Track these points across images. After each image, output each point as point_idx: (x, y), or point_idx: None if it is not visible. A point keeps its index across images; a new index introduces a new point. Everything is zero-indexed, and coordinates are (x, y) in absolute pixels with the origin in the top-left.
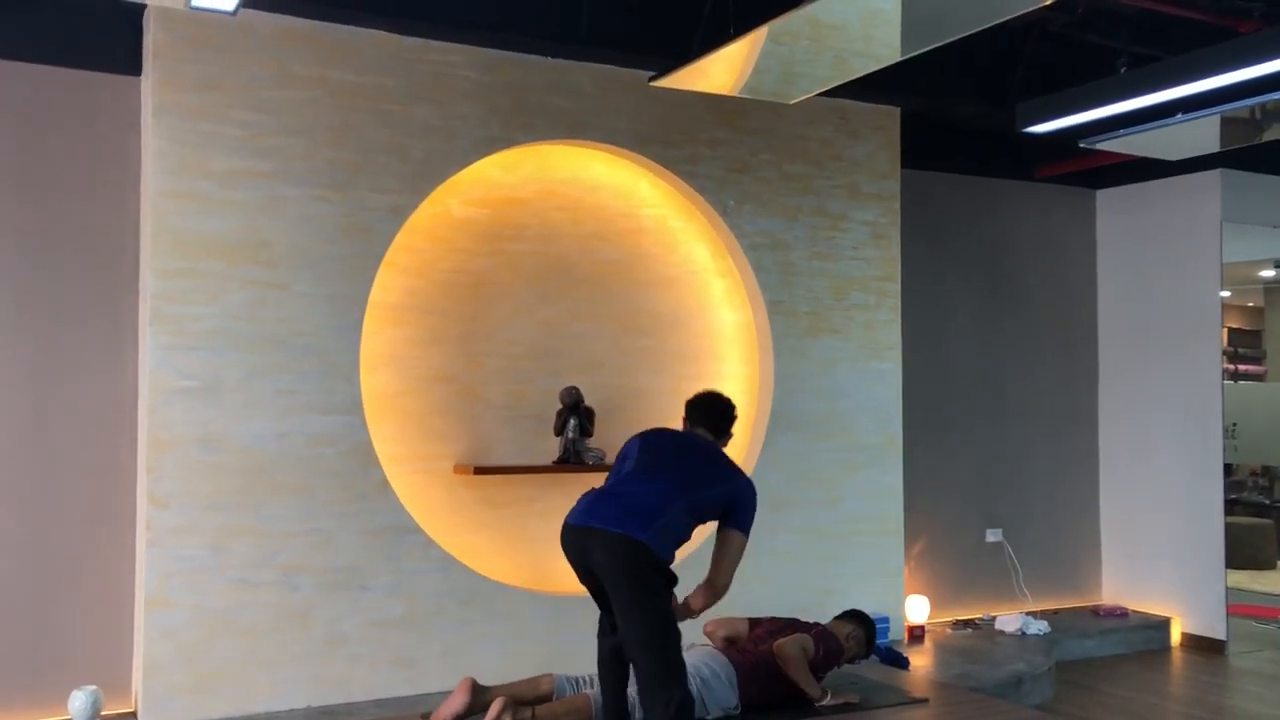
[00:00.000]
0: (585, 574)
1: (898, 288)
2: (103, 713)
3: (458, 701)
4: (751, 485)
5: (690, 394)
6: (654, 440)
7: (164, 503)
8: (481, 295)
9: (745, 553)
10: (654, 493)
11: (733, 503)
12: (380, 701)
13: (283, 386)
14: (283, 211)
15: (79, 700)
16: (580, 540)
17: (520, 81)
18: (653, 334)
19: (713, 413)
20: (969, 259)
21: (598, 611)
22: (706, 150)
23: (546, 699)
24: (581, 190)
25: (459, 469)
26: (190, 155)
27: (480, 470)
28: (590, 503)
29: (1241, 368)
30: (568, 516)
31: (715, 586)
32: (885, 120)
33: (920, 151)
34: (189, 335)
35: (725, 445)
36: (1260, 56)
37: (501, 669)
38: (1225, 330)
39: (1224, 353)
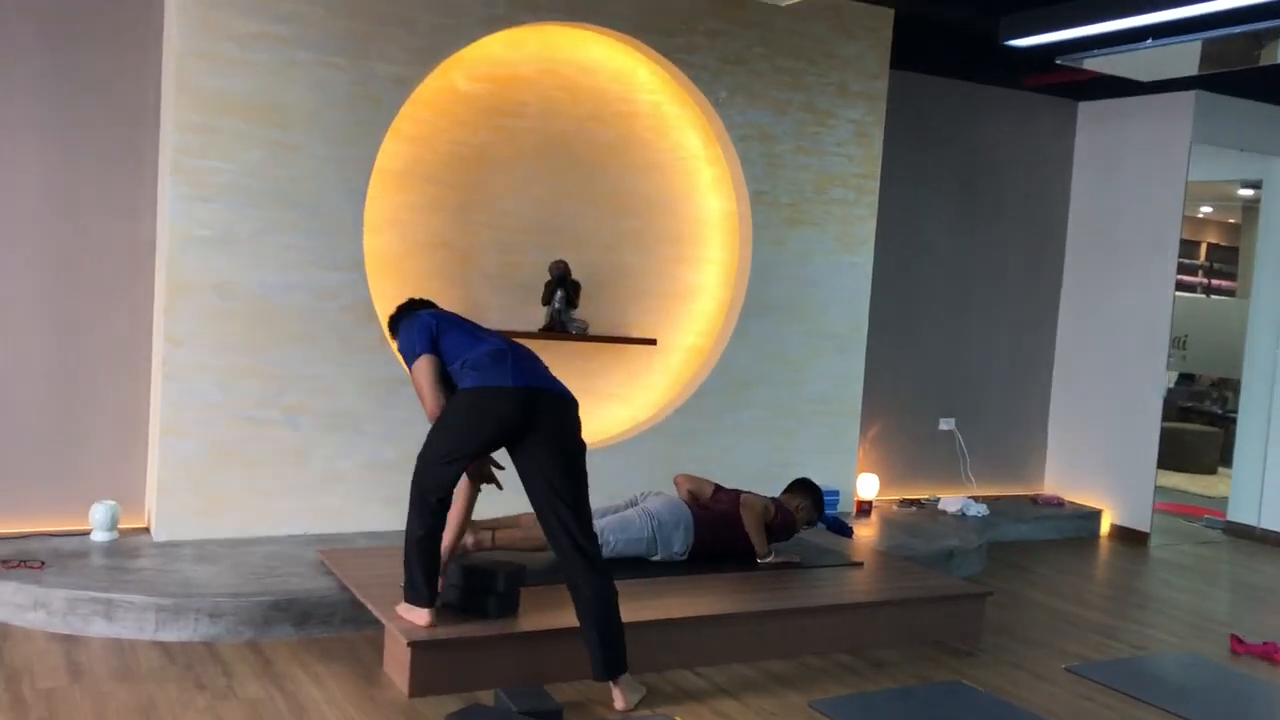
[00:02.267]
0: (504, 432)
1: (876, 185)
2: (119, 525)
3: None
4: None
5: (670, 274)
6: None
7: (179, 342)
8: (481, 168)
9: (716, 429)
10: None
11: None
12: (370, 533)
13: (291, 242)
14: (298, 76)
15: (99, 512)
16: (531, 401)
17: None
18: (641, 215)
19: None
20: (949, 161)
21: None
22: (704, 40)
23: None
24: (581, 72)
25: None
26: (212, 15)
27: None
28: (519, 364)
29: (1215, 282)
30: (498, 380)
31: None
32: (878, 21)
33: (910, 53)
34: (207, 188)
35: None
36: None
37: (482, 512)
38: (1204, 245)
39: (1200, 267)
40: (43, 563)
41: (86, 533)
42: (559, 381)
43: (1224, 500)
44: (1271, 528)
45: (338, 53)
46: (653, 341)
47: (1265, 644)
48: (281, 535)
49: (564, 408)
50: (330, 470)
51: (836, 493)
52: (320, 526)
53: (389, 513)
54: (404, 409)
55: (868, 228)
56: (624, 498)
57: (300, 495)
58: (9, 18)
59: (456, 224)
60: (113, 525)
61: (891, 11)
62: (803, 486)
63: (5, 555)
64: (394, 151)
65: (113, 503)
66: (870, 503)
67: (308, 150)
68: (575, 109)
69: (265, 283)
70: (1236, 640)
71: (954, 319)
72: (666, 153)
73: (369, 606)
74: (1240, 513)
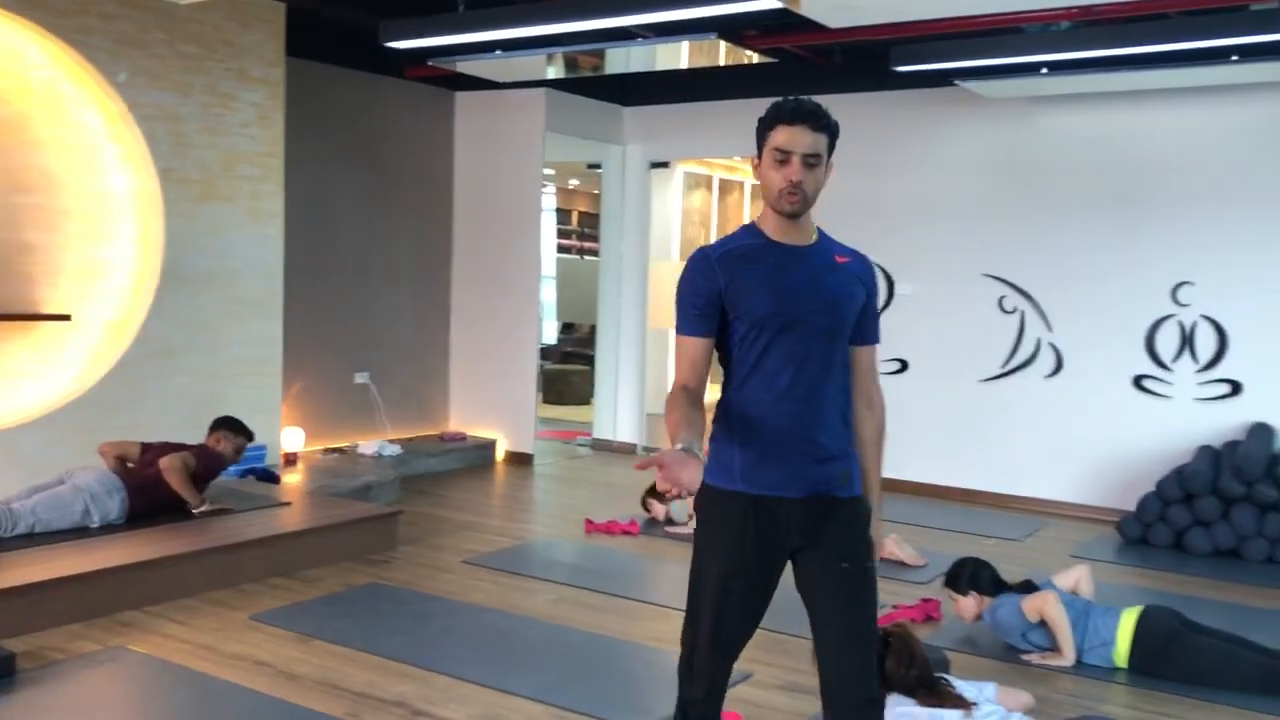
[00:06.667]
0: None
1: (281, 163)
2: None
3: None
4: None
5: (81, 250)
6: None
7: None
8: None
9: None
10: None
11: None
12: None
13: None
14: None
15: None
16: None
17: None
18: (44, 192)
19: None
20: (351, 142)
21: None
22: (98, 22)
23: None
24: None
25: None
26: None
27: None
28: None
29: (586, 244)
30: None
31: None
32: (271, 14)
33: (308, 44)
34: None
35: None
36: (562, 17)
37: None
38: (576, 213)
39: (573, 231)
40: None
41: None
42: None
43: (591, 423)
44: (624, 439)
45: None
46: (66, 317)
47: (609, 522)
48: None
49: None
50: None
51: (264, 447)
52: None
53: None
54: None
55: (277, 203)
56: (52, 474)
57: None
58: None
59: None
60: None
61: (283, 5)
62: (218, 423)
63: None
64: None
65: None
66: (297, 454)
67: None
68: None
69: None
70: (589, 522)
71: (361, 284)
72: (67, 130)
73: None
74: (601, 431)
